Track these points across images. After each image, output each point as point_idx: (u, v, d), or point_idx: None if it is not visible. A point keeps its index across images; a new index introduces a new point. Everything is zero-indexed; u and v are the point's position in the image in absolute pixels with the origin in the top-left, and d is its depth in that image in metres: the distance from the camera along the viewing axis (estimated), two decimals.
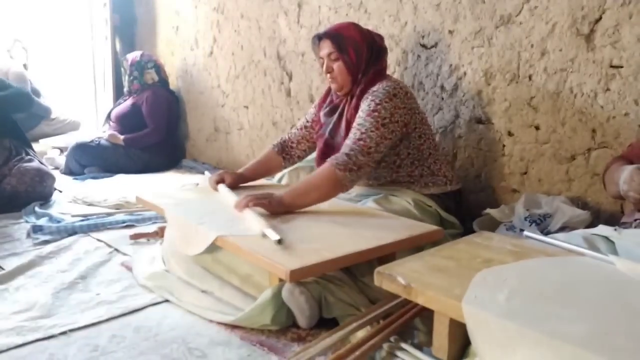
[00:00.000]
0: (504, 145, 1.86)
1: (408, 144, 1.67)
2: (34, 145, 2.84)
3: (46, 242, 1.90)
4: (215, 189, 1.79)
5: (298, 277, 1.13)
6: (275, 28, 2.76)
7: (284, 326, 1.24)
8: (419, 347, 1.08)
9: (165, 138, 3.43)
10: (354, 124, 1.60)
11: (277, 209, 1.48)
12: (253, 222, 1.40)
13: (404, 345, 1.08)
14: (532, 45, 1.72)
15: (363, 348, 1.03)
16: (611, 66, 1.55)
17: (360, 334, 1.10)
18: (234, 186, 1.79)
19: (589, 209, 1.57)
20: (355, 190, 1.76)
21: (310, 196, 1.52)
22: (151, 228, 2.03)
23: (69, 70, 5.03)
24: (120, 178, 2.99)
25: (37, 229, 1.98)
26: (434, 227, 1.43)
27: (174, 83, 3.70)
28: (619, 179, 1.21)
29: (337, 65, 1.69)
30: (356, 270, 1.35)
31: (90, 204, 2.41)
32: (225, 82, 3.22)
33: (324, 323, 1.24)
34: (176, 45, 3.67)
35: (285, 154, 1.94)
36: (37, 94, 4.02)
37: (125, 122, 3.37)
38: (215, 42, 3.25)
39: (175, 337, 1.21)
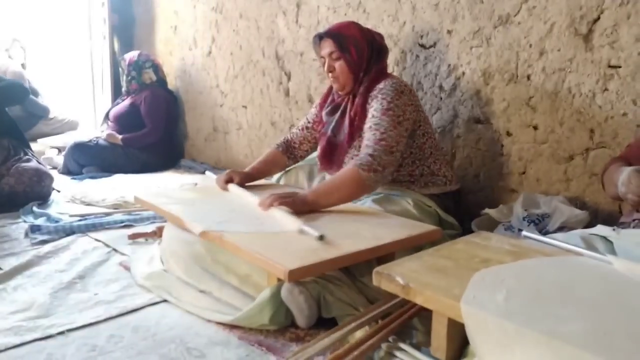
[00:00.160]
0: (502, 145, 1.86)
1: (412, 143, 1.67)
2: (32, 145, 2.84)
3: (44, 241, 1.90)
4: (225, 189, 1.80)
5: (297, 276, 1.13)
6: (273, 28, 2.76)
7: (283, 326, 1.24)
8: (417, 347, 1.08)
9: (163, 138, 3.43)
10: (369, 124, 1.59)
11: (301, 208, 1.48)
12: (286, 220, 1.41)
13: (402, 345, 1.08)
14: (530, 45, 1.72)
15: (361, 348, 1.03)
16: (609, 66, 1.55)
17: (359, 334, 1.10)
18: (241, 185, 1.80)
19: (587, 209, 1.57)
20: None
21: (333, 196, 1.52)
22: (149, 228, 2.02)
23: (67, 70, 5.02)
24: (119, 178, 2.99)
25: (35, 229, 1.97)
26: (433, 227, 1.42)
27: (172, 83, 3.69)
28: (617, 180, 1.21)
29: (338, 65, 1.69)
30: (355, 270, 1.35)
31: (88, 204, 2.41)
32: (224, 82, 3.22)
33: (323, 323, 1.23)
34: (175, 45, 3.66)
35: (290, 153, 1.95)
36: (36, 93, 4.01)
37: (124, 122, 3.37)
38: (214, 41, 3.25)
39: (173, 337, 1.21)
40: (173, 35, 3.66)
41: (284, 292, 1.21)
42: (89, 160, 3.22)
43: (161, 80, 3.52)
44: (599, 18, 1.55)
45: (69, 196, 2.52)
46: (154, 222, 2.12)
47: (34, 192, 2.39)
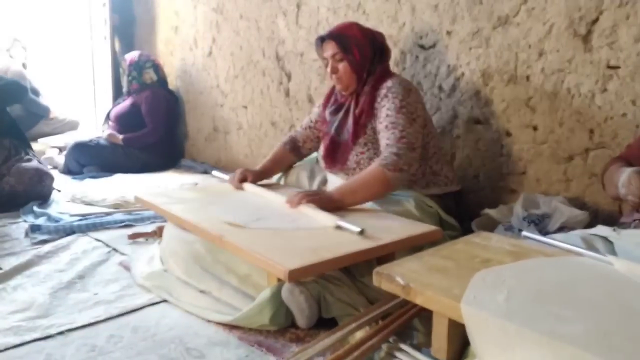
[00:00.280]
0: (502, 146, 1.86)
1: None
2: (33, 145, 2.84)
3: (44, 241, 1.90)
4: (239, 188, 1.81)
5: (297, 276, 1.13)
6: (274, 28, 2.76)
7: (282, 326, 1.24)
8: (417, 347, 1.08)
9: (164, 138, 3.42)
10: (385, 124, 1.60)
11: (327, 205, 1.50)
12: (321, 216, 1.43)
13: (402, 346, 1.08)
14: (529, 46, 1.72)
15: (362, 349, 1.03)
16: (608, 67, 1.55)
17: (359, 334, 1.10)
18: (255, 184, 1.82)
19: (587, 209, 1.57)
20: None
21: (359, 194, 1.55)
22: (149, 228, 2.03)
23: (68, 70, 5.03)
24: (119, 177, 2.99)
25: (35, 229, 1.97)
26: (433, 227, 1.43)
27: (173, 83, 3.69)
28: (617, 180, 1.21)
29: (342, 66, 1.70)
30: (355, 270, 1.35)
31: (88, 204, 2.41)
32: (224, 82, 3.22)
33: (323, 323, 1.24)
34: (175, 46, 3.66)
35: (296, 151, 1.97)
36: (36, 93, 4.01)
37: (124, 122, 3.37)
38: (215, 42, 3.25)
39: (173, 337, 1.21)
40: (174, 35, 3.66)
41: (284, 292, 1.21)
42: (89, 160, 3.22)
43: (162, 81, 3.52)
44: (597, 19, 1.55)
45: (70, 196, 2.52)
46: (154, 222, 2.12)
47: (34, 191, 2.40)
